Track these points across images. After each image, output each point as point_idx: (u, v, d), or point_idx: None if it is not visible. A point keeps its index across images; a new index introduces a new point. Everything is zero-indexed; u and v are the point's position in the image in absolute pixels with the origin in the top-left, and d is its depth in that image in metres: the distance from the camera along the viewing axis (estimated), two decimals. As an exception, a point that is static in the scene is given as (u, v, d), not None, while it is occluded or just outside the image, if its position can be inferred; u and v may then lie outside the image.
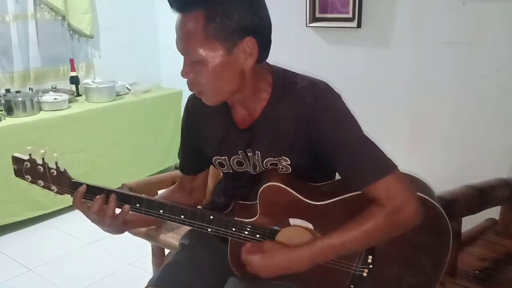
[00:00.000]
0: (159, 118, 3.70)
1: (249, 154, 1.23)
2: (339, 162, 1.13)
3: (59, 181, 1.19)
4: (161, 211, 1.20)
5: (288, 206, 1.17)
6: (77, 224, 2.96)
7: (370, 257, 1.18)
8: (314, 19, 2.57)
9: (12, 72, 3.35)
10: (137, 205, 1.20)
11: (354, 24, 2.43)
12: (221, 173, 1.39)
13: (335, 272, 1.19)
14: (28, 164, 1.18)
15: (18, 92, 3.07)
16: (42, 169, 1.18)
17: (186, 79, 1.13)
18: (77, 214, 1.25)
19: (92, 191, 1.19)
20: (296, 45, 2.68)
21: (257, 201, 1.17)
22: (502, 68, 2.08)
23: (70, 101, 3.30)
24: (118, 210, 1.20)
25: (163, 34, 4.08)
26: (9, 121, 2.94)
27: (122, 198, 1.20)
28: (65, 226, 3.08)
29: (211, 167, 1.37)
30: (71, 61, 3.52)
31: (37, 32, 3.42)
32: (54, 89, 3.39)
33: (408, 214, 1.09)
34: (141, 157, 3.60)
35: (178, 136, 1.40)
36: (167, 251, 1.94)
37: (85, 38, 3.70)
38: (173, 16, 1.09)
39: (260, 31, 1.09)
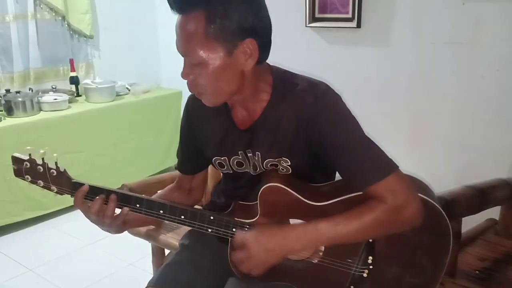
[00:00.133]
0: (159, 118, 3.70)
1: (249, 154, 1.23)
2: (339, 163, 1.14)
3: (59, 181, 1.19)
4: (161, 211, 1.20)
5: (288, 206, 1.17)
6: (77, 224, 2.96)
7: (370, 257, 1.18)
8: (313, 19, 2.58)
9: (12, 72, 3.35)
10: (137, 205, 1.20)
11: (353, 24, 2.43)
12: (221, 174, 1.39)
13: (335, 272, 1.19)
14: (28, 164, 1.18)
15: (18, 92, 3.07)
16: (42, 169, 1.18)
17: (186, 80, 1.13)
18: (77, 214, 1.25)
19: (92, 191, 1.19)
20: (296, 45, 2.68)
21: (258, 201, 1.17)
22: (502, 68, 2.08)
23: (70, 101, 3.30)
24: (118, 210, 1.20)
25: (163, 34, 4.08)
26: (9, 121, 2.93)
27: (122, 198, 1.20)
28: (65, 226, 3.08)
29: (211, 167, 1.37)
30: (71, 61, 3.52)
31: (37, 32, 3.42)
32: (54, 90, 3.39)
33: (409, 214, 1.09)
34: (141, 157, 3.60)
35: (178, 136, 1.40)
36: (167, 251, 1.94)
37: (85, 38, 3.70)
38: (173, 16, 1.09)
39: (260, 32, 1.09)
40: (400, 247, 1.18)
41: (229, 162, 1.27)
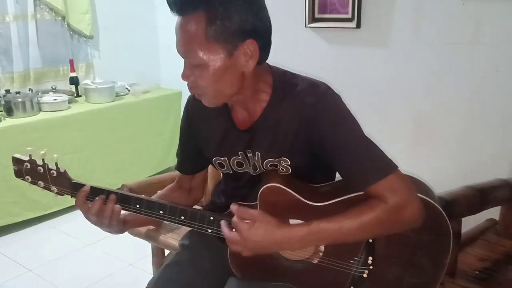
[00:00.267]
0: (158, 119, 3.70)
1: (249, 155, 1.23)
2: (339, 163, 1.14)
3: (59, 182, 1.19)
4: (161, 212, 1.21)
5: (288, 207, 1.17)
6: (77, 225, 2.96)
7: (370, 258, 1.18)
8: (313, 19, 2.58)
9: (12, 72, 3.35)
10: (137, 206, 1.21)
11: (353, 24, 2.43)
12: (221, 174, 1.39)
13: (335, 273, 1.19)
14: (28, 165, 1.18)
15: (18, 92, 3.07)
16: (42, 170, 1.18)
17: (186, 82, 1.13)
18: (76, 215, 1.25)
19: (93, 192, 1.19)
20: (296, 46, 2.68)
21: (257, 202, 1.17)
22: (501, 68, 2.09)
23: (69, 101, 3.30)
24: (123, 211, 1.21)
25: (163, 34, 4.08)
26: (8, 121, 2.93)
27: (122, 199, 1.21)
28: (65, 226, 3.08)
29: (211, 167, 1.37)
30: (71, 62, 3.52)
31: (37, 33, 3.41)
32: (53, 90, 3.39)
33: (409, 214, 1.09)
34: (141, 157, 3.60)
35: (178, 136, 1.40)
36: (167, 251, 1.94)
37: (84, 39, 3.70)
38: (173, 17, 1.09)
39: (261, 33, 1.09)
40: (400, 247, 1.18)
41: (229, 162, 1.27)
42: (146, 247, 2.06)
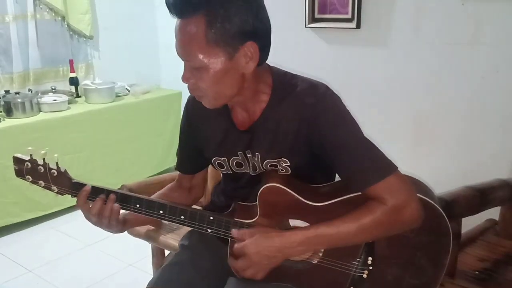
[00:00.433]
0: (158, 119, 3.70)
1: (248, 155, 1.23)
2: (339, 163, 1.14)
3: (59, 181, 1.20)
4: (161, 211, 1.21)
5: (287, 207, 1.17)
6: (77, 225, 2.96)
7: (370, 258, 1.18)
8: (313, 19, 2.58)
9: (12, 73, 3.35)
10: (137, 205, 1.21)
11: (353, 24, 2.43)
12: (221, 174, 1.39)
13: (334, 273, 1.19)
14: (29, 164, 1.18)
15: (17, 93, 3.07)
16: (42, 170, 1.19)
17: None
18: (76, 215, 1.26)
19: (94, 191, 1.20)
20: (295, 46, 2.68)
21: (257, 202, 1.17)
22: (501, 68, 2.09)
23: (69, 102, 3.30)
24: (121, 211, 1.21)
25: (163, 34, 4.08)
26: (8, 122, 2.93)
27: (122, 198, 1.21)
28: (65, 227, 3.07)
29: (211, 167, 1.37)
30: (71, 62, 3.52)
31: (36, 33, 3.41)
32: (53, 90, 3.38)
33: (409, 214, 1.09)
34: (140, 158, 3.60)
35: (177, 137, 1.40)
36: (167, 252, 1.94)
37: (84, 39, 3.70)
38: (173, 17, 1.09)
39: (261, 34, 1.09)
40: (400, 248, 1.18)
41: (229, 163, 1.27)
42: (146, 247, 2.06)
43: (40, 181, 1.20)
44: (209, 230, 1.20)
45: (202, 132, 1.30)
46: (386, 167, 1.11)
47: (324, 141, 1.13)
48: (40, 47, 3.45)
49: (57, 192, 1.21)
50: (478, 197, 1.61)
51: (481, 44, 2.12)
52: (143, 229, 1.88)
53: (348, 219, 1.10)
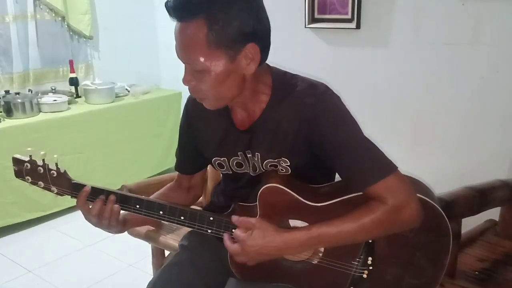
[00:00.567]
0: (158, 120, 3.70)
1: (248, 155, 1.23)
2: (339, 163, 1.14)
3: (59, 182, 1.20)
4: (160, 212, 1.21)
5: (287, 207, 1.17)
6: (77, 226, 2.96)
7: (370, 258, 1.18)
8: (313, 20, 2.57)
9: (12, 73, 3.35)
10: (137, 206, 1.21)
11: (353, 25, 2.43)
12: (221, 174, 1.39)
13: (334, 273, 1.19)
14: (29, 165, 1.18)
15: (17, 93, 3.07)
16: (42, 170, 1.18)
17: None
18: (76, 215, 1.26)
19: (93, 192, 1.20)
20: (295, 46, 2.68)
21: (257, 202, 1.17)
22: (501, 69, 2.09)
23: (69, 102, 3.30)
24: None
25: (163, 35, 4.08)
26: (8, 122, 2.93)
27: (122, 199, 1.21)
28: (65, 227, 3.08)
29: (211, 167, 1.37)
30: (71, 62, 3.52)
31: (36, 33, 3.42)
32: (53, 91, 3.39)
33: (408, 214, 1.09)
34: (140, 158, 3.60)
35: (177, 137, 1.40)
36: (167, 252, 1.94)
37: (84, 39, 3.70)
38: (173, 18, 1.09)
39: (261, 35, 1.09)
40: (400, 248, 1.18)
41: (229, 163, 1.27)
42: (146, 248, 2.06)
43: (40, 182, 1.20)
44: (209, 231, 1.20)
45: (202, 132, 1.30)
46: (386, 167, 1.11)
47: (324, 141, 1.13)
48: (40, 48, 3.46)
49: (57, 193, 1.21)
50: (478, 198, 1.61)
51: (481, 44, 2.12)
52: (143, 229, 1.88)
53: (348, 219, 1.10)
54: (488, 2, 2.06)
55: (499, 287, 1.56)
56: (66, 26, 3.58)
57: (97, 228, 1.25)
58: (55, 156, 1.19)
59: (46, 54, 3.51)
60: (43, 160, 1.18)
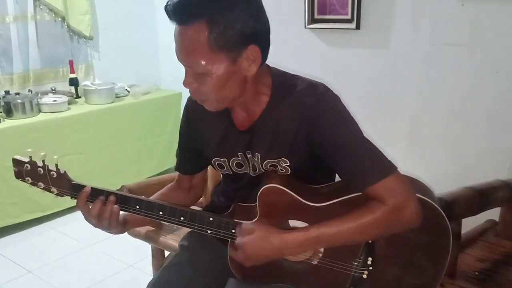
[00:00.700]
0: (158, 120, 3.70)
1: (248, 156, 1.23)
2: (339, 163, 1.14)
3: (59, 183, 1.20)
4: (160, 213, 1.21)
5: (287, 207, 1.17)
6: (77, 226, 2.96)
7: (370, 258, 1.18)
8: (313, 20, 2.57)
9: (12, 73, 3.35)
10: (137, 207, 1.21)
11: (353, 25, 2.43)
12: (221, 175, 1.39)
13: (334, 273, 1.19)
14: (29, 166, 1.18)
15: (17, 94, 3.07)
16: (42, 171, 1.18)
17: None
18: (76, 216, 1.26)
19: (93, 192, 1.20)
20: (295, 47, 2.68)
21: (257, 203, 1.17)
22: (501, 69, 2.09)
23: (69, 103, 3.30)
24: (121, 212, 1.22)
25: (163, 35, 4.08)
26: (8, 123, 2.93)
27: (122, 200, 1.21)
28: (65, 228, 3.08)
29: (211, 168, 1.37)
30: (71, 63, 3.52)
31: (36, 33, 3.42)
32: (53, 91, 3.39)
33: (408, 214, 1.09)
34: (140, 159, 3.60)
35: (177, 137, 1.40)
36: (167, 253, 1.94)
37: (84, 39, 3.70)
38: (173, 18, 1.09)
39: (261, 36, 1.09)
40: (400, 248, 1.18)
41: (229, 163, 1.27)
42: (146, 248, 2.06)
43: (40, 183, 1.20)
44: (209, 231, 1.20)
45: (202, 133, 1.30)
46: (386, 167, 1.11)
47: (324, 141, 1.13)
48: (40, 48, 3.46)
49: (57, 194, 1.21)
50: (478, 198, 1.61)
51: (481, 45, 2.12)
52: (143, 230, 1.88)
53: (348, 219, 1.10)
54: (488, 3, 2.06)
55: (500, 287, 1.56)
56: (66, 26, 3.58)
57: (97, 228, 1.25)
58: (55, 157, 1.19)
59: (46, 55, 3.51)
60: (43, 161, 1.18)
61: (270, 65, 1.21)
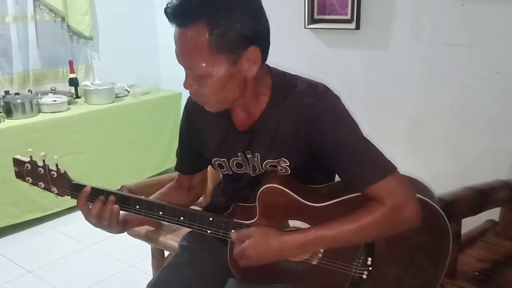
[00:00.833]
0: (158, 120, 3.70)
1: (248, 156, 1.23)
2: (339, 163, 1.14)
3: (59, 182, 1.20)
4: (160, 212, 1.21)
5: (287, 207, 1.17)
6: (77, 226, 2.96)
7: (370, 259, 1.18)
8: (312, 20, 2.58)
9: (12, 73, 3.35)
10: (137, 206, 1.21)
11: (352, 25, 2.43)
12: (221, 175, 1.39)
13: (334, 274, 1.19)
14: (29, 166, 1.18)
15: (17, 94, 3.07)
16: (42, 171, 1.19)
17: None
18: (76, 216, 1.26)
19: (93, 192, 1.20)
20: (295, 47, 2.68)
21: (256, 203, 1.18)
22: (501, 70, 2.09)
23: (69, 103, 3.30)
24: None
25: (163, 35, 4.08)
26: (8, 123, 2.93)
27: (122, 200, 1.21)
28: (65, 228, 3.08)
29: (211, 168, 1.37)
30: (70, 63, 3.52)
31: (36, 34, 3.41)
32: (53, 91, 3.38)
33: (408, 214, 1.09)
34: (140, 159, 3.60)
35: (177, 137, 1.40)
36: (166, 253, 1.94)
37: (84, 40, 3.70)
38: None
39: (261, 36, 1.09)
40: (400, 248, 1.18)
41: (229, 163, 1.27)
42: (146, 248, 2.06)
43: (40, 183, 1.20)
44: (209, 231, 1.20)
45: (202, 133, 1.30)
46: (386, 167, 1.11)
47: (324, 141, 1.13)
48: (40, 48, 3.45)
49: (57, 194, 1.21)
50: (478, 198, 1.61)
51: (481, 45, 2.12)
52: (142, 230, 1.88)
53: (347, 220, 1.10)
54: (488, 3, 2.06)
55: (499, 287, 1.56)
56: (66, 26, 3.58)
57: (97, 228, 1.25)
58: (55, 156, 1.19)
59: (46, 55, 3.51)
60: (44, 160, 1.19)
61: (270, 65, 1.21)
